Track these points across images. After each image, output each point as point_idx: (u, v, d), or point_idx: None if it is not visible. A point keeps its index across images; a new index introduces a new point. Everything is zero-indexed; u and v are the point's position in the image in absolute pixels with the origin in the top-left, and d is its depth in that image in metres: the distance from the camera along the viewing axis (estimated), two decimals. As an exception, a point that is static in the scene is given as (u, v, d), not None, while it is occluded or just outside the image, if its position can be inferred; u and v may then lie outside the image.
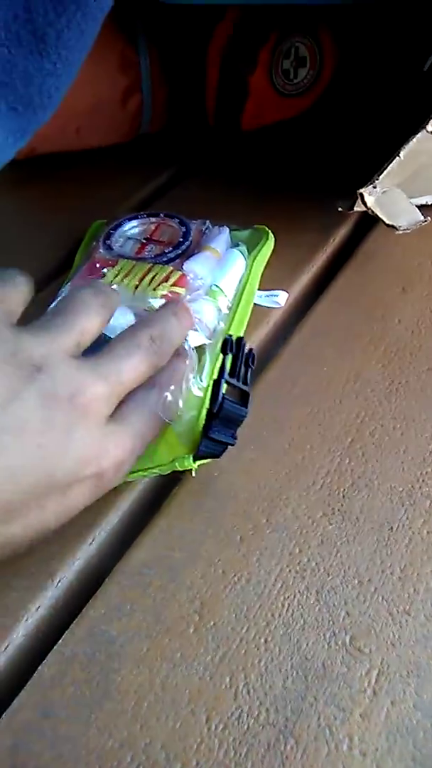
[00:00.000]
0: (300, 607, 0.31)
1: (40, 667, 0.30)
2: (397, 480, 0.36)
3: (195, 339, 0.37)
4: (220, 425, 0.32)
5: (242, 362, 0.33)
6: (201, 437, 0.33)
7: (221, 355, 0.33)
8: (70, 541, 0.34)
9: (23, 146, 0.37)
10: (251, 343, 0.44)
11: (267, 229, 0.50)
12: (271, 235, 0.50)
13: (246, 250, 0.48)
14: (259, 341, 0.45)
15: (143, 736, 0.27)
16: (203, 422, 0.34)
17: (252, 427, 0.37)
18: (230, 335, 0.33)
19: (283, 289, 0.48)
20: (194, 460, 0.33)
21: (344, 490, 0.35)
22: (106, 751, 0.27)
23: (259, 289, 0.47)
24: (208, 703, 0.28)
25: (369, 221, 0.54)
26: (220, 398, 0.31)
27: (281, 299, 0.47)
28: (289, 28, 0.49)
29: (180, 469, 0.34)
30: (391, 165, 0.43)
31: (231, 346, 0.33)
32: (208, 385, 0.37)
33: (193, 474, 0.35)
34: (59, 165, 0.63)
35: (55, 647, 0.30)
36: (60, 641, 0.30)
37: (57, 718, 0.28)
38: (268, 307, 0.47)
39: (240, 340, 0.33)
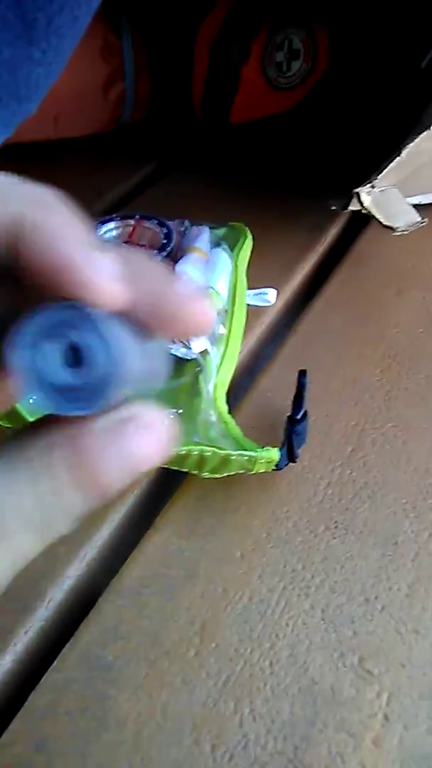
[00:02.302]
0: (305, 626, 0.30)
1: (31, 696, 0.28)
2: (400, 491, 0.34)
3: (199, 345, 0.36)
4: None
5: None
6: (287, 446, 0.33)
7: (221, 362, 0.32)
8: (59, 559, 0.32)
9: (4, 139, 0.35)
10: (244, 345, 0.42)
11: (244, 226, 0.48)
12: (249, 233, 0.48)
13: (228, 249, 0.46)
14: (252, 343, 0.44)
15: (145, 770, 0.26)
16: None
17: (248, 435, 0.35)
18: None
19: (271, 286, 0.46)
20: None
21: (346, 502, 0.34)
22: (106, 788, 0.25)
23: (247, 288, 0.45)
24: (212, 731, 0.27)
25: (361, 221, 0.53)
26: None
27: (271, 297, 0.46)
28: (283, 19, 0.48)
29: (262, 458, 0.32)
30: (390, 164, 0.41)
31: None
32: (216, 396, 0.36)
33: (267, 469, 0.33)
34: (31, 157, 0.60)
35: (46, 674, 0.28)
36: (52, 667, 0.28)
37: (51, 751, 0.26)
38: (259, 306, 0.45)
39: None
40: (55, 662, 0.29)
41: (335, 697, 0.28)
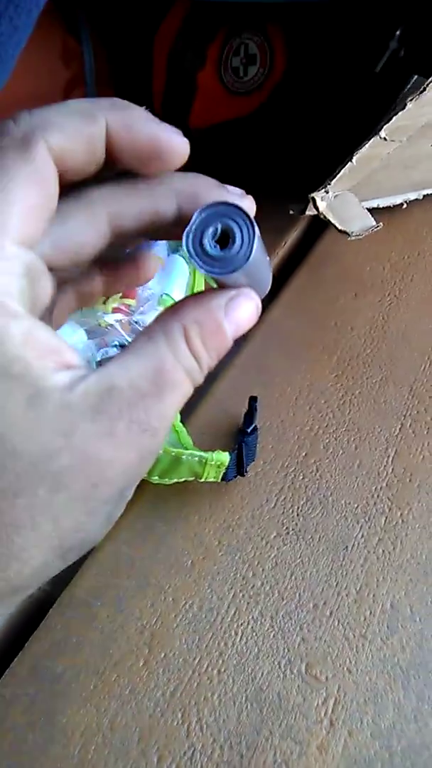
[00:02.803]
0: (254, 634, 0.30)
1: (-22, 711, 0.28)
2: (351, 496, 0.35)
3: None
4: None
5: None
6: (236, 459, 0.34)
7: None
8: (11, 570, 0.32)
9: None
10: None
11: None
12: None
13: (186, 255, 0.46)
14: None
15: (90, 783, 0.26)
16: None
17: (202, 441, 0.35)
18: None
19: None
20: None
21: (298, 507, 0.34)
22: (51, 803, 0.25)
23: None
24: (159, 742, 0.27)
25: (320, 224, 0.53)
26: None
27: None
28: (239, 25, 0.48)
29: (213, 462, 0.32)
30: (343, 170, 0.42)
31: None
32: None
33: (214, 479, 0.33)
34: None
35: (-6, 688, 0.28)
36: (0, 681, 0.28)
37: (-3, 766, 0.26)
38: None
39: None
40: (3, 676, 0.28)
41: (282, 704, 0.28)
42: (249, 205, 0.19)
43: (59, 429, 0.16)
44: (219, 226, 0.18)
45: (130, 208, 0.19)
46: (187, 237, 0.17)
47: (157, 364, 0.17)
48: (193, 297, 0.18)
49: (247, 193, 0.21)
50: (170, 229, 0.20)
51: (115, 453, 0.16)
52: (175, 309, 0.18)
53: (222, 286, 0.19)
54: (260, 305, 0.19)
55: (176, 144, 0.18)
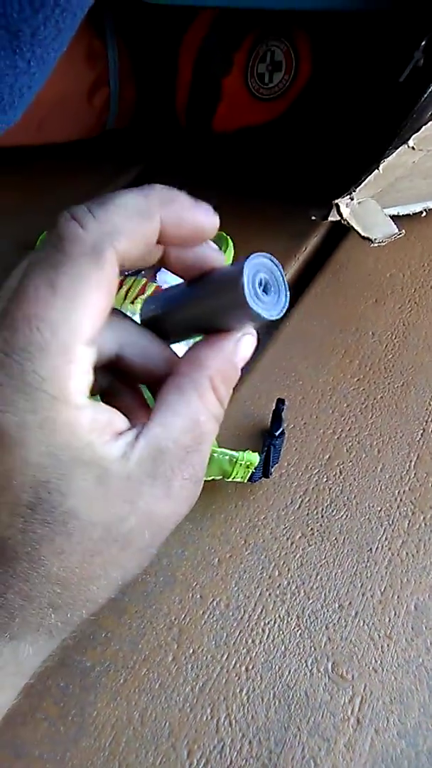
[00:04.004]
0: (281, 632, 0.30)
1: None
2: (375, 499, 0.35)
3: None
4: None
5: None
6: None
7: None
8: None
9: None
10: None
11: (225, 234, 0.49)
12: (230, 240, 0.49)
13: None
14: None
15: (122, 775, 0.26)
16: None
17: (226, 443, 0.36)
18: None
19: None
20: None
21: (323, 509, 0.35)
22: (84, 793, 0.26)
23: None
24: (189, 736, 0.27)
25: (340, 230, 0.54)
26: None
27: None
28: (266, 32, 0.48)
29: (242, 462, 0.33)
30: (368, 177, 0.42)
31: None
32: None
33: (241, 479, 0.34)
34: (15, 162, 0.60)
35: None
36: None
37: (30, 757, 0.27)
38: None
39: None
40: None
41: (309, 702, 0.28)
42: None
43: (125, 497, 0.18)
44: (264, 276, 0.20)
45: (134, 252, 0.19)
46: (248, 278, 0.19)
47: (194, 418, 0.19)
48: (207, 344, 0.21)
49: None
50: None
51: (173, 509, 0.20)
52: (197, 360, 0.20)
53: (225, 325, 0.21)
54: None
55: (214, 224, 0.20)
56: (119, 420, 0.19)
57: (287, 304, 0.20)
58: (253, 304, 0.19)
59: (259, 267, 0.20)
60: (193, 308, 0.22)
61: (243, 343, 0.21)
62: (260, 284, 0.19)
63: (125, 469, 0.18)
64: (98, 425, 0.18)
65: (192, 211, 0.19)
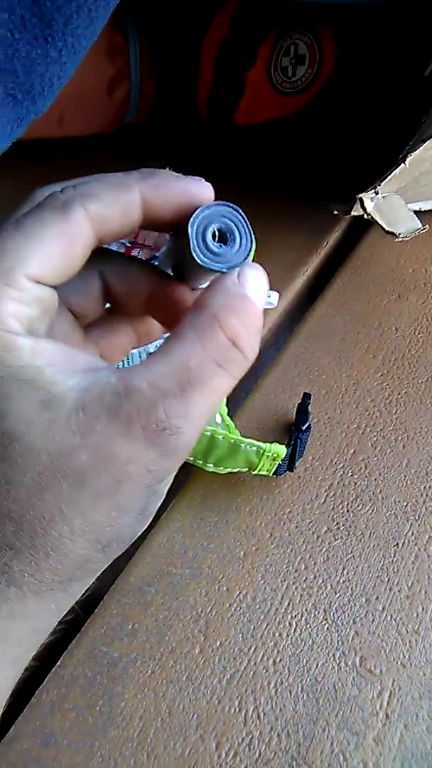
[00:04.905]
0: (308, 626, 0.30)
1: (37, 692, 0.28)
2: (401, 494, 0.35)
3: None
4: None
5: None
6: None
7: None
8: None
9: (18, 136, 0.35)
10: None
11: None
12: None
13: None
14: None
15: (151, 766, 0.26)
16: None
17: (253, 435, 0.36)
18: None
19: (274, 290, 0.47)
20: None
21: (348, 504, 0.35)
22: (114, 783, 0.26)
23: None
24: (217, 728, 0.27)
25: (361, 225, 0.54)
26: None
27: (274, 299, 0.46)
28: (289, 25, 0.48)
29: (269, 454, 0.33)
30: (394, 171, 0.42)
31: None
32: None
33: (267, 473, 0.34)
34: (35, 155, 0.60)
35: (53, 669, 0.29)
36: (58, 663, 0.29)
37: (58, 746, 0.27)
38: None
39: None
40: (62, 658, 0.29)
41: (337, 696, 0.28)
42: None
43: (75, 428, 0.17)
44: (220, 225, 0.19)
45: (112, 224, 0.20)
46: (193, 231, 0.19)
47: (183, 362, 0.18)
48: (206, 291, 0.19)
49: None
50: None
51: (132, 451, 0.17)
52: (198, 303, 0.19)
53: (198, 275, 0.21)
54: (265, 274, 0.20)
55: (201, 190, 0.20)
56: (86, 358, 0.18)
57: (251, 251, 0.19)
58: (198, 258, 0.18)
59: (213, 217, 0.19)
60: (176, 260, 0.23)
61: (247, 276, 0.19)
62: (215, 236, 0.19)
63: (80, 400, 0.17)
64: (48, 354, 0.18)
65: (174, 180, 0.20)
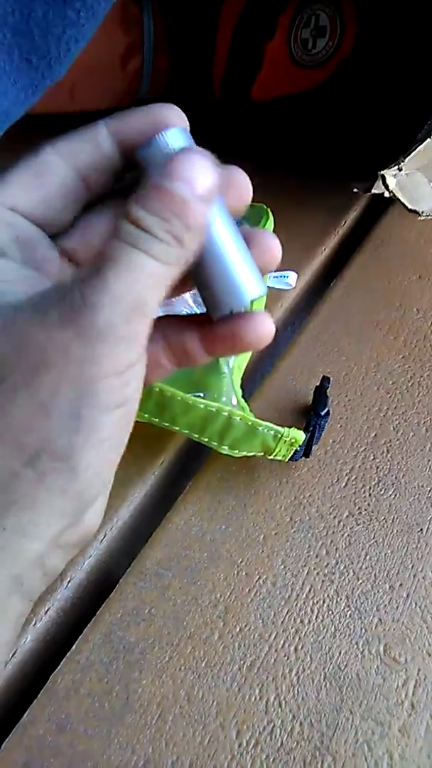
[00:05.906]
0: (330, 613, 0.29)
1: (52, 676, 0.27)
2: (424, 479, 0.34)
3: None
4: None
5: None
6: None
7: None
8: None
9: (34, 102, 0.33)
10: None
11: (265, 207, 0.47)
12: (270, 213, 0.47)
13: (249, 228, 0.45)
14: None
15: (169, 753, 0.25)
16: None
17: (268, 418, 0.35)
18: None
19: (292, 270, 0.46)
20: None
21: (370, 488, 0.34)
22: (132, 772, 0.25)
23: (268, 270, 0.44)
24: (238, 716, 0.26)
25: (380, 204, 0.52)
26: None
27: (292, 280, 0.45)
28: (311, -6, 0.46)
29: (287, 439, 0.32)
30: (418, 147, 0.40)
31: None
32: (233, 379, 0.35)
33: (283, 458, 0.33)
34: (46, 129, 0.58)
35: (68, 654, 0.28)
36: (73, 648, 0.28)
37: (74, 732, 0.26)
38: (280, 289, 0.45)
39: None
40: (77, 643, 0.28)
41: (361, 685, 0.27)
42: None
43: (1, 327, 0.17)
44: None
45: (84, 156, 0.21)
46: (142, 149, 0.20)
47: (99, 250, 0.17)
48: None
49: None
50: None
51: (48, 336, 0.16)
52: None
53: None
54: (213, 161, 0.19)
55: (171, 113, 0.20)
56: (48, 285, 0.18)
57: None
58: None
59: (164, 144, 0.19)
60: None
61: (174, 164, 0.18)
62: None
63: (13, 303, 0.17)
64: (6, 270, 0.19)
65: (136, 112, 0.20)
